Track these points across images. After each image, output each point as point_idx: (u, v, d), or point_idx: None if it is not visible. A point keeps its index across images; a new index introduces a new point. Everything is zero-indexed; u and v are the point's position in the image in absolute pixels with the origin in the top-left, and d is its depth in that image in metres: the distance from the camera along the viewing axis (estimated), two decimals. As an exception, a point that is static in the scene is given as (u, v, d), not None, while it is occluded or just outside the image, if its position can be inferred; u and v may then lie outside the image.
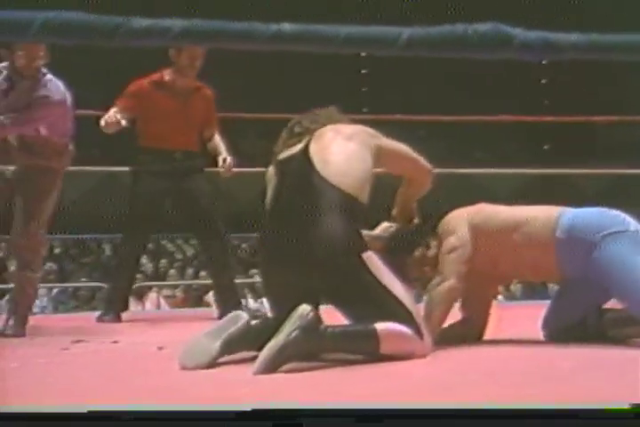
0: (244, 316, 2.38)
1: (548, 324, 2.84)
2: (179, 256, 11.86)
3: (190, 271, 10.40)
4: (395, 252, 2.76)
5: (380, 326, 2.35)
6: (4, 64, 3.47)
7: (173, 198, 4.25)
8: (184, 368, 2.28)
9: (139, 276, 9.32)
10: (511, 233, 2.76)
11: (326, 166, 2.55)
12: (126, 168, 4.48)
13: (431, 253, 2.81)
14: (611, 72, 13.97)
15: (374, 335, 2.33)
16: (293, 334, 2.20)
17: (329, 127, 2.70)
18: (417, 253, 2.82)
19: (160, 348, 2.77)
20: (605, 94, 14.47)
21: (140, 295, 7.79)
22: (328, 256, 2.41)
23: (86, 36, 1.11)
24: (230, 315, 2.41)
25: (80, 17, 1.06)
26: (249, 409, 1.52)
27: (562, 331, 2.78)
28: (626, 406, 1.48)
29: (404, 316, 2.40)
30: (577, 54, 1.01)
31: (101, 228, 9.77)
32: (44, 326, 3.68)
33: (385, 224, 2.92)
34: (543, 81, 16.68)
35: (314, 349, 2.28)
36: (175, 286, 8.80)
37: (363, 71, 16.13)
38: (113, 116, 3.84)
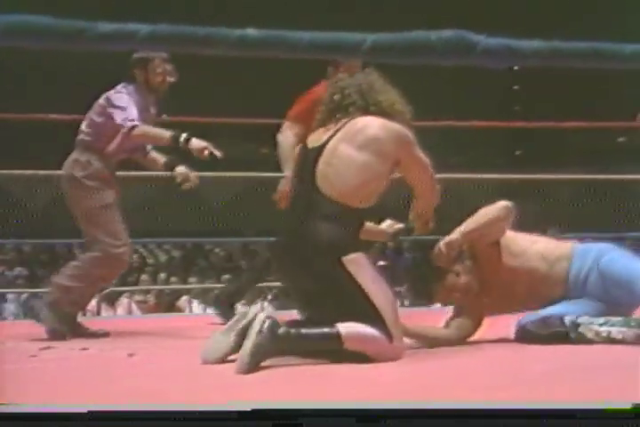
0: (253, 311, 2.49)
1: (524, 318, 2.86)
2: (150, 261, 11.80)
3: (162, 276, 10.35)
4: (427, 279, 2.87)
5: (343, 325, 2.42)
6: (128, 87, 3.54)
7: None
8: (205, 362, 2.44)
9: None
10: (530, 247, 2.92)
11: (324, 173, 2.56)
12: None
13: (461, 280, 2.87)
14: (582, 78, 14.10)
15: (336, 334, 2.40)
16: (257, 339, 2.33)
17: (362, 119, 2.61)
18: (448, 280, 2.87)
19: (130, 355, 2.74)
20: (577, 100, 14.58)
21: (112, 301, 7.74)
22: (308, 258, 2.50)
23: (51, 40, 1.10)
24: (241, 312, 2.58)
25: (44, 21, 1.05)
26: (249, 409, 1.52)
27: (536, 323, 2.79)
28: (623, 406, 1.49)
29: (374, 319, 2.45)
30: (539, 61, 1.02)
31: (72, 233, 9.69)
32: (14, 332, 3.64)
33: (389, 221, 3.00)
34: (515, 87, 16.79)
35: (282, 349, 2.38)
36: (147, 292, 8.75)
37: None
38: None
